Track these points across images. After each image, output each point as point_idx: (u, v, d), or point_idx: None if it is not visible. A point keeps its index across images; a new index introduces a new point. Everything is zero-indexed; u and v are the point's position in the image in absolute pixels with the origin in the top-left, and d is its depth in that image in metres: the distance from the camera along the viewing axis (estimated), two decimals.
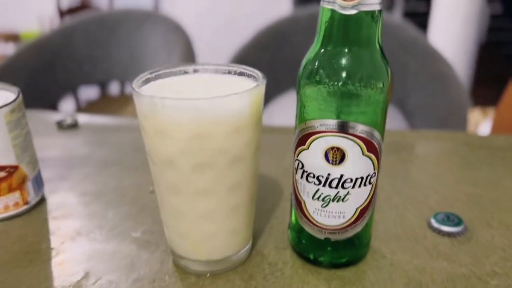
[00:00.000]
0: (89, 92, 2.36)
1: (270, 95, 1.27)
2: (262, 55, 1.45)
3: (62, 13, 3.07)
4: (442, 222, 0.48)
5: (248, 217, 0.42)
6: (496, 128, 1.03)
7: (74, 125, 0.77)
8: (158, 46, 1.54)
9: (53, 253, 0.45)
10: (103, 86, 2.36)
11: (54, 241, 0.47)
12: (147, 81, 0.40)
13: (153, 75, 0.40)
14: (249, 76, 0.40)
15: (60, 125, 0.77)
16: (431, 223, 0.48)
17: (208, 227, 0.39)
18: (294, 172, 0.41)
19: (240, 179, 0.38)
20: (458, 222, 0.48)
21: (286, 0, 3.09)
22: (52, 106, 1.47)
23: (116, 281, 0.41)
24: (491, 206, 0.53)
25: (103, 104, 2.18)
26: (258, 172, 0.42)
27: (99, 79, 1.72)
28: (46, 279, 0.41)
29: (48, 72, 1.51)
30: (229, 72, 0.42)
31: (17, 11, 3.32)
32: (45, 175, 0.57)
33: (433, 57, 1.27)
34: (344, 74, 0.35)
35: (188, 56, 1.43)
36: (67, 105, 1.82)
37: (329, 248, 0.42)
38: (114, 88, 2.49)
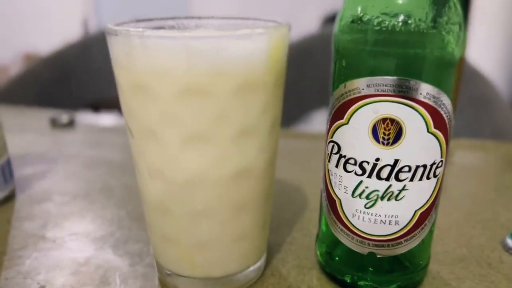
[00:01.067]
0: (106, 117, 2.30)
1: (293, 115, 1.16)
2: (286, 72, 1.37)
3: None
4: None
5: (262, 219, 0.30)
6: None
7: (70, 124, 0.68)
8: None
9: (5, 260, 0.34)
10: (114, 107, 2.30)
11: (11, 246, 0.36)
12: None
13: (141, 24, 0.30)
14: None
15: (54, 123, 0.67)
16: (508, 243, 0.36)
17: (203, 229, 0.28)
18: (327, 160, 0.30)
19: (250, 161, 0.27)
20: None
21: (314, 18, 3.03)
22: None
23: None
24: None
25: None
26: (276, 160, 0.31)
27: (115, 94, 1.65)
28: None
29: (63, 85, 1.45)
30: (241, 27, 0.31)
31: (42, 32, 3.36)
32: (22, 171, 0.48)
33: (473, 78, 1.16)
34: (407, 9, 0.25)
35: None
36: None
37: (372, 268, 0.30)
38: None
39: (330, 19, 2.88)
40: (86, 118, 0.73)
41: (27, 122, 0.70)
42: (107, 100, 1.62)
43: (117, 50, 0.25)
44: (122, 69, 0.26)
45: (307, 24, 3.21)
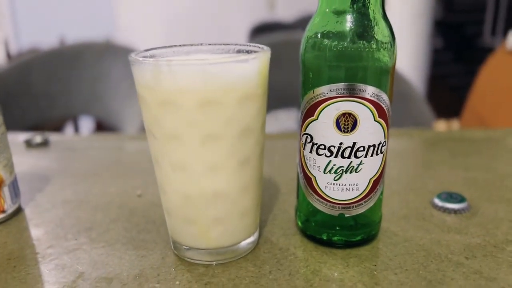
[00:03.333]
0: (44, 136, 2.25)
1: None
2: None
3: (11, 59, 2.98)
4: (446, 200, 0.47)
5: (258, 199, 0.39)
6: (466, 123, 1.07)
7: (44, 143, 0.72)
8: (120, 77, 1.51)
9: (39, 257, 0.40)
10: (57, 129, 2.27)
11: (39, 247, 0.42)
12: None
13: (148, 53, 0.38)
14: (249, 52, 0.39)
15: (29, 144, 0.72)
16: (435, 202, 0.48)
17: (217, 209, 0.37)
18: (302, 148, 0.39)
19: (249, 153, 0.36)
20: (461, 199, 0.48)
21: (242, 32, 3.15)
22: None
23: (116, 278, 0.37)
24: (487, 185, 0.53)
25: None
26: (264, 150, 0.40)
27: (56, 115, 1.66)
28: (36, 282, 0.36)
29: (3, 111, 1.44)
30: (227, 51, 0.40)
31: None
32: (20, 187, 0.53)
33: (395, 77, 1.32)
34: (351, 34, 0.35)
35: None
36: None
37: (342, 226, 0.40)
38: (68, 131, 2.41)
39: (258, 30, 3.02)
40: (57, 137, 0.77)
41: None
42: (46, 121, 1.62)
43: (144, 75, 0.33)
44: (149, 89, 0.34)
45: (236, 34, 3.33)
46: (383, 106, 0.36)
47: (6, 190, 0.46)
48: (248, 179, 0.37)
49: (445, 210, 0.47)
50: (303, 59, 0.38)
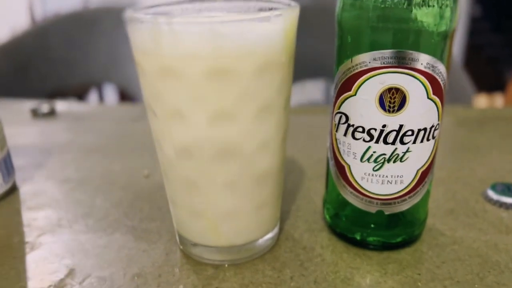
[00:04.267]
0: (66, 104, 2.24)
1: None
2: None
3: (35, 23, 2.94)
4: (502, 193, 0.40)
5: (278, 189, 0.33)
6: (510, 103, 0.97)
7: (51, 113, 0.67)
8: None
9: (27, 248, 0.35)
10: (80, 97, 2.25)
11: (29, 235, 0.37)
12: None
13: (149, 11, 0.31)
14: (272, 9, 0.32)
15: (35, 113, 0.67)
16: (489, 195, 0.40)
17: (229, 201, 0.30)
18: (334, 130, 0.32)
19: (269, 136, 0.29)
20: None
21: None
22: None
23: (111, 278, 0.31)
24: None
25: None
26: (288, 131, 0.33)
27: (77, 82, 1.62)
28: (19, 279, 0.31)
29: (21, 76, 1.40)
30: (247, 10, 0.33)
31: None
32: (17, 163, 0.48)
33: None
34: None
35: None
36: None
37: (380, 225, 0.33)
38: (92, 98, 2.38)
39: None
40: (66, 106, 0.72)
41: (7, 114, 0.68)
42: (67, 88, 1.58)
43: (142, 37, 0.27)
44: (147, 54, 0.27)
45: None
46: (439, 79, 0.29)
47: None
48: (267, 166, 0.31)
49: (502, 204, 0.39)
50: (339, 19, 0.30)
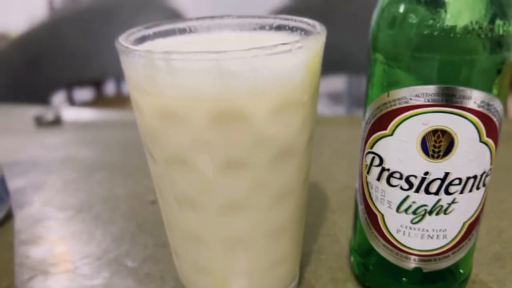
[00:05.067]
0: (83, 93, 2.23)
1: None
2: None
3: (54, 12, 2.92)
4: None
5: (297, 242, 0.28)
6: None
7: (56, 122, 0.64)
8: None
9: None
10: (97, 86, 2.23)
11: (20, 276, 0.33)
12: (142, 40, 0.26)
13: (150, 31, 0.27)
14: (293, 30, 0.27)
15: (39, 121, 0.63)
16: None
17: (239, 259, 0.26)
18: (365, 172, 0.27)
19: (287, 184, 0.25)
20: None
21: None
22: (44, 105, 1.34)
23: None
24: None
25: (100, 105, 2.05)
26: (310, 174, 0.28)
27: (92, 75, 1.59)
28: None
29: (37, 68, 1.38)
30: (262, 28, 0.28)
31: (5, 11, 3.18)
32: (15, 183, 0.44)
33: None
34: (457, 11, 0.22)
35: None
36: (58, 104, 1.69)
37: (416, 282, 0.28)
38: (110, 88, 2.36)
39: None
40: (72, 113, 0.68)
41: (10, 122, 0.65)
42: (81, 80, 1.56)
43: (136, 72, 0.22)
44: (143, 92, 0.23)
45: None
46: (494, 119, 0.24)
47: None
48: (285, 218, 0.26)
49: None
50: (373, 42, 0.25)
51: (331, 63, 1.06)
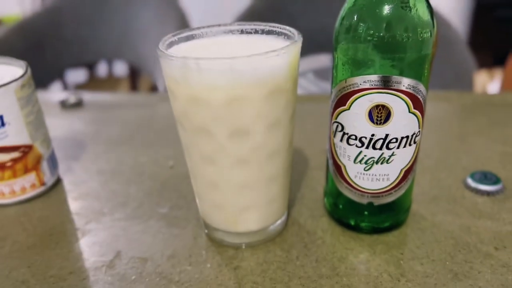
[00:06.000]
0: (76, 75, 2.29)
1: None
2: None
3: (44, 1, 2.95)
4: (480, 181, 0.46)
5: (286, 186, 0.40)
6: (507, 86, 1.01)
7: (78, 104, 0.74)
8: (150, 22, 1.49)
9: (79, 234, 0.42)
10: (90, 67, 2.29)
11: (78, 222, 0.44)
12: (170, 44, 0.37)
13: (176, 38, 0.37)
14: (279, 34, 0.38)
15: (64, 105, 0.73)
16: (468, 183, 0.47)
17: (245, 198, 0.37)
18: (332, 136, 0.39)
19: (278, 146, 0.36)
20: (496, 180, 0.46)
21: None
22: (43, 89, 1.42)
23: (151, 259, 0.39)
24: None
25: (92, 86, 2.12)
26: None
27: (89, 59, 1.67)
28: (77, 260, 0.39)
29: (36, 54, 1.46)
30: (256, 32, 0.39)
31: None
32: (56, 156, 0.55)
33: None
34: (389, 24, 0.33)
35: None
36: (54, 89, 1.77)
37: (371, 213, 0.40)
38: (102, 69, 2.43)
39: None
40: (92, 96, 0.78)
41: None
42: (78, 64, 1.64)
43: (174, 71, 0.33)
44: (178, 83, 0.33)
45: None
46: (419, 97, 0.35)
47: (45, 164, 0.48)
48: (277, 170, 0.37)
49: (478, 191, 0.46)
50: (335, 43, 0.36)
51: (317, 44, 1.17)
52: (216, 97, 0.32)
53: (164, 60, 0.33)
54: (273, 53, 0.31)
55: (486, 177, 0.47)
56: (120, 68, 2.66)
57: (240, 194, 0.37)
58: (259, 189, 0.37)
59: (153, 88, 2.08)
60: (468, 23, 2.71)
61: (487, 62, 2.05)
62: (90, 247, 0.41)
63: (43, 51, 1.48)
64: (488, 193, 0.45)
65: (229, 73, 0.31)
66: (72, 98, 0.74)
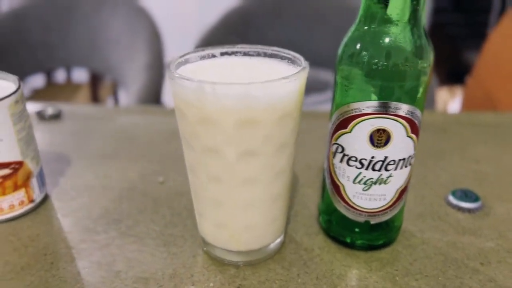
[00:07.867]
0: (33, 80, 2.20)
1: None
2: (230, 38, 1.43)
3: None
4: (461, 198, 0.49)
5: (287, 204, 0.41)
6: (467, 106, 1.07)
7: (57, 116, 0.72)
8: (120, 31, 1.47)
9: (74, 253, 0.42)
10: (48, 73, 2.22)
11: (72, 241, 0.43)
12: (178, 65, 0.37)
13: (182, 59, 0.38)
14: (282, 58, 0.39)
15: (42, 116, 0.71)
16: (450, 200, 0.50)
17: (250, 216, 0.38)
18: (331, 156, 0.40)
19: (284, 166, 0.37)
20: (476, 198, 0.49)
21: None
22: None
23: (152, 279, 0.38)
24: (498, 181, 0.55)
25: (50, 92, 2.06)
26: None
27: (53, 66, 1.63)
28: (76, 281, 0.38)
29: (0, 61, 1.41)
30: (259, 54, 0.40)
31: None
32: None
33: None
34: (391, 54, 0.35)
35: (154, 40, 1.37)
36: None
37: (367, 231, 0.41)
38: (60, 75, 2.36)
39: None
40: (68, 108, 0.77)
41: None
42: (40, 70, 1.59)
43: (186, 92, 0.33)
44: (189, 105, 0.34)
45: None
46: (416, 122, 0.37)
47: (34, 180, 0.47)
48: (280, 189, 0.38)
49: (460, 208, 0.49)
50: (337, 70, 0.38)
51: (323, 60, 1.18)
52: (229, 120, 0.33)
53: (176, 83, 0.34)
54: (286, 80, 0.33)
55: (467, 195, 0.50)
56: (79, 75, 2.59)
57: (245, 212, 0.38)
58: (264, 208, 0.38)
59: (115, 96, 2.05)
60: None
61: (442, 78, 2.16)
62: (88, 267, 0.40)
63: (6, 56, 1.43)
64: (469, 210, 0.48)
65: (244, 98, 0.32)
66: (49, 109, 0.72)
